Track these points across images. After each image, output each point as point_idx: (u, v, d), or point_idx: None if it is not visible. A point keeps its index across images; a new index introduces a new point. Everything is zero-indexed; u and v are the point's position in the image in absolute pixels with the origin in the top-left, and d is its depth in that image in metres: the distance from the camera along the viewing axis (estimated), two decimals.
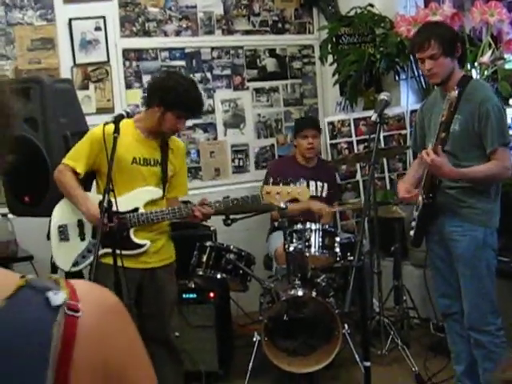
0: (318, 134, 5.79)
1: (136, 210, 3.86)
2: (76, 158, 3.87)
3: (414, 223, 4.05)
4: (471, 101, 3.68)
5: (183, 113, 3.85)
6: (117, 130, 3.53)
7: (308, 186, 5.70)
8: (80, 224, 3.93)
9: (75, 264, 3.91)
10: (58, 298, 0.90)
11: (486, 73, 4.97)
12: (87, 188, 4.03)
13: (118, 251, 3.51)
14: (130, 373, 0.95)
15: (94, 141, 3.81)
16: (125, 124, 3.78)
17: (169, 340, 4.09)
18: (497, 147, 3.68)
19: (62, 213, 3.98)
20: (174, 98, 3.77)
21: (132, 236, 3.87)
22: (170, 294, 4.08)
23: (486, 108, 3.67)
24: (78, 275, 4.02)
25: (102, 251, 3.54)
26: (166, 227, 4.09)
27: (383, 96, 3.61)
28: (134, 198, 3.84)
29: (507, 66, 5.18)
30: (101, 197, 3.72)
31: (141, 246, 3.90)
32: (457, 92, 3.45)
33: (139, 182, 3.87)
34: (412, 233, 4.08)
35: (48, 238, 4.03)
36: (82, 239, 3.94)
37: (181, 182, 4.19)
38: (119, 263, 3.52)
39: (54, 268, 4.16)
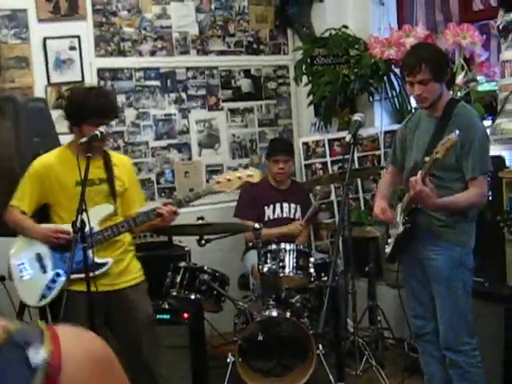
0: (289, 158, 5.80)
1: (91, 230, 3.73)
2: (19, 198, 3.87)
3: (390, 240, 4.06)
4: (457, 126, 3.63)
5: (95, 119, 3.75)
6: (90, 151, 3.53)
7: (281, 208, 5.74)
8: (39, 258, 3.87)
9: (42, 297, 3.83)
10: (38, 357, 0.85)
11: (459, 94, 5.01)
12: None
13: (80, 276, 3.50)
14: None
15: (33, 176, 3.83)
16: (60, 152, 3.88)
17: (146, 365, 4.02)
18: (477, 175, 3.70)
19: (18, 250, 3.91)
20: (77, 110, 3.76)
21: (93, 257, 3.73)
22: (142, 313, 4.01)
23: (471, 136, 3.68)
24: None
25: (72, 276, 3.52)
26: (128, 246, 4.05)
27: (357, 117, 3.63)
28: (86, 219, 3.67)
29: (480, 88, 5.23)
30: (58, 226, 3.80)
31: (103, 265, 3.84)
32: (457, 135, 3.39)
33: (88, 204, 3.65)
34: (388, 250, 4.08)
35: (10, 277, 3.97)
36: (44, 272, 3.86)
37: (135, 195, 4.17)
38: (81, 288, 3.53)
39: None
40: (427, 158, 3.57)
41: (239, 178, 3.95)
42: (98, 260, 3.80)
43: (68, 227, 3.65)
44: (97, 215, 3.84)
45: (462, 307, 3.82)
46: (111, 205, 3.93)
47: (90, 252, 3.69)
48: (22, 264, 3.86)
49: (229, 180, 3.94)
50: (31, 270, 3.85)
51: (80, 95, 3.83)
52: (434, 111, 3.84)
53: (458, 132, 3.35)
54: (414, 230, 3.86)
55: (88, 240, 3.65)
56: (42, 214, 3.96)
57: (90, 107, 3.72)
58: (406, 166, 3.99)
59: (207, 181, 6.51)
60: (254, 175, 4.00)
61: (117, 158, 4.09)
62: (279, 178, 5.74)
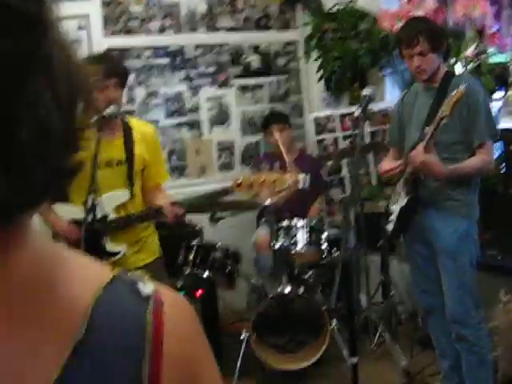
0: (284, 124, 5.79)
1: (105, 217, 3.71)
2: None
3: (391, 216, 4.05)
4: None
5: (102, 81, 3.58)
6: (100, 131, 3.46)
7: None
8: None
9: None
10: (147, 289, 0.90)
11: (470, 66, 4.97)
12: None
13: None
14: (206, 376, 0.95)
15: None
16: None
17: None
18: (485, 140, 3.68)
19: None
20: None
21: (106, 244, 3.72)
22: None
23: (476, 101, 3.66)
24: None
25: None
26: (148, 226, 3.96)
27: (366, 92, 3.62)
28: (101, 206, 3.59)
29: (491, 60, 5.18)
30: (70, 208, 3.68)
31: (116, 253, 3.76)
32: (464, 88, 3.39)
33: (103, 187, 3.62)
34: (390, 226, 4.07)
35: None
36: None
37: (157, 169, 3.99)
38: None
39: None
40: (427, 128, 3.55)
41: (262, 183, 3.62)
42: (110, 249, 3.75)
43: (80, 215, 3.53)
44: (112, 202, 3.75)
45: (468, 280, 3.81)
46: (127, 190, 3.79)
47: (104, 239, 3.70)
48: None
49: (250, 184, 3.63)
50: None
51: (84, 60, 3.70)
52: (431, 83, 3.85)
53: (465, 85, 3.35)
54: (417, 201, 3.85)
55: (101, 228, 3.64)
56: None
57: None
58: (407, 144, 3.96)
59: (218, 158, 6.50)
60: (279, 181, 3.64)
61: (140, 131, 3.87)
62: (277, 150, 5.61)
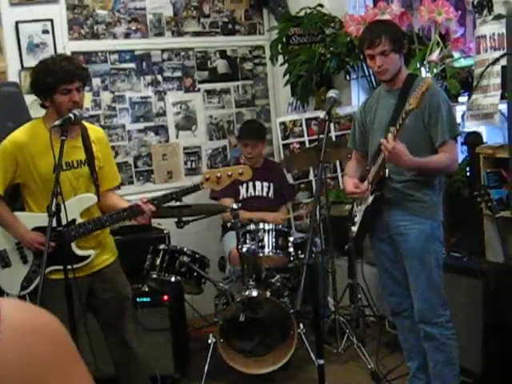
0: (258, 142, 5.80)
1: (73, 221, 3.64)
2: None
3: (356, 218, 4.08)
4: None
5: (64, 85, 3.55)
6: (64, 134, 3.42)
7: (254, 186, 5.73)
8: (19, 247, 3.71)
9: (24, 287, 3.68)
10: None
11: (434, 71, 5.00)
12: (16, 202, 3.80)
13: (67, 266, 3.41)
14: None
15: (7, 154, 3.61)
16: (33, 128, 3.67)
17: (125, 340, 3.93)
18: (447, 140, 3.72)
19: None
20: (44, 80, 3.55)
21: (75, 249, 3.67)
22: (121, 290, 3.91)
23: (437, 101, 3.72)
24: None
25: (48, 269, 3.48)
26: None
27: (331, 93, 3.63)
28: (68, 210, 3.44)
29: (455, 64, 5.22)
30: (32, 215, 3.67)
31: (85, 257, 3.73)
32: (430, 78, 3.44)
33: (67, 190, 3.57)
34: (355, 228, 4.10)
35: None
36: (25, 262, 3.72)
37: (110, 171, 3.95)
38: (60, 276, 3.44)
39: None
40: (392, 129, 3.59)
41: (229, 176, 3.76)
42: (80, 253, 3.70)
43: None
44: (79, 206, 3.69)
45: (435, 280, 3.84)
46: (93, 194, 3.76)
47: (72, 245, 3.65)
48: (3, 252, 3.72)
49: (218, 177, 3.75)
50: (12, 259, 3.72)
51: (42, 65, 3.65)
52: (394, 85, 3.89)
53: (430, 77, 3.40)
54: (383, 199, 3.88)
55: (70, 233, 3.58)
56: (14, 193, 3.77)
57: (54, 73, 3.53)
58: (371, 148, 3.99)
59: (185, 163, 6.49)
60: (245, 173, 3.79)
61: (93, 132, 3.86)
62: (247, 161, 5.71)
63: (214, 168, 6.26)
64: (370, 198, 3.91)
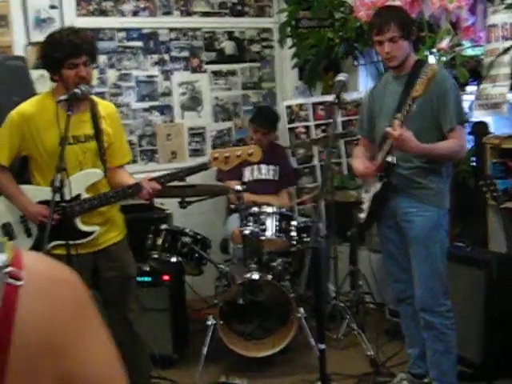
0: (268, 131, 5.77)
1: (78, 196, 3.62)
2: None
3: (364, 205, 4.07)
4: None
5: (71, 59, 3.51)
6: (70, 109, 3.41)
7: (259, 169, 5.70)
8: (23, 220, 3.69)
9: None
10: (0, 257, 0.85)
11: (444, 59, 4.97)
12: (24, 175, 3.78)
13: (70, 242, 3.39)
14: (71, 352, 0.89)
15: (13, 126, 3.59)
16: (41, 101, 3.64)
17: (130, 321, 3.91)
18: (455, 125, 3.72)
19: (3, 210, 3.71)
20: (52, 54, 3.53)
21: (79, 225, 3.64)
22: (127, 268, 3.88)
23: (445, 87, 3.71)
24: None
25: (51, 244, 3.46)
26: (114, 204, 3.85)
27: (341, 77, 3.60)
28: (73, 185, 3.49)
29: (465, 53, 5.19)
30: (38, 188, 3.65)
31: (89, 233, 3.69)
32: (436, 66, 3.42)
33: (73, 164, 3.55)
34: (363, 215, 4.09)
35: None
36: (29, 235, 3.70)
37: (120, 147, 3.91)
38: (72, 252, 3.40)
39: None
40: (398, 115, 3.58)
41: (238, 156, 3.67)
42: (84, 228, 3.67)
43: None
44: (85, 181, 3.66)
45: (438, 268, 3.84)
46: (100, 169, 3.72)
47: (76, 220, 3.62)
48: (8, 225, 3.70)
49: (227, 157, 3.67)
50: (16, 231, 3.70)
51: (50, 39, 3.62)
52: (401, 71, 3.88)
53: (437, 64, 3.38)
54: (390, 186, 3.86)
55: (74, 208, 3.57)
56: (22, 166, 3.76)
57: (61, 47, 3.50)
58: (378, 134, 3.97)
59: (189, 144, 6.47)
60: (255, 153, 3.70)
61: (103, 107, 3.81)
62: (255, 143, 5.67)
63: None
64: (379, 185, 3.90)
